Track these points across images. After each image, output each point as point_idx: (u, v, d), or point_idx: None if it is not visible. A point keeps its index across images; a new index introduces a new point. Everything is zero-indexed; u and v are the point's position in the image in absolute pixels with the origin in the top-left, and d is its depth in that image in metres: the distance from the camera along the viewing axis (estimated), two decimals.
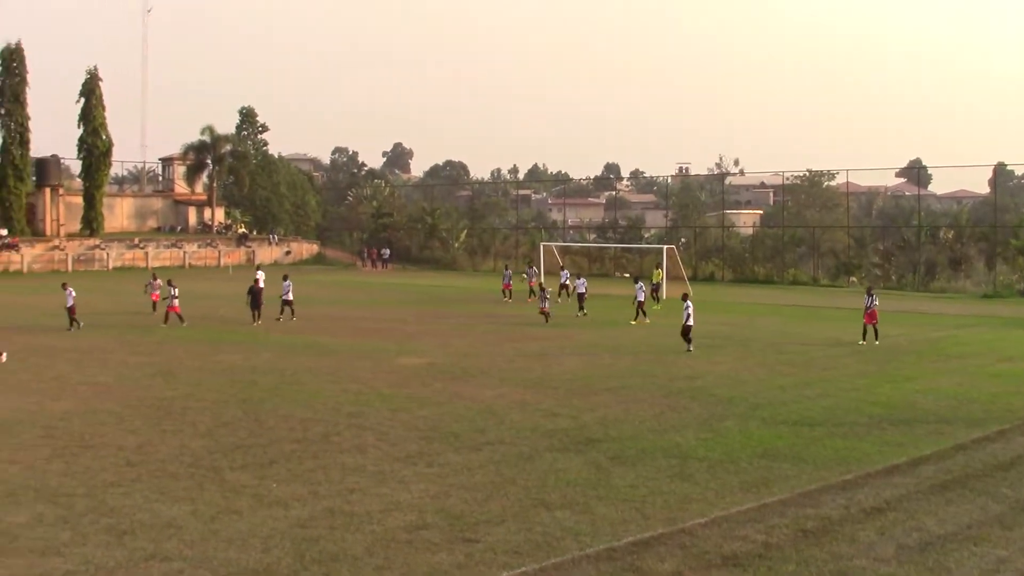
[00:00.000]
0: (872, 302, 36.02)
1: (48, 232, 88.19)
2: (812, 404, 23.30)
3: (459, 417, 21.26)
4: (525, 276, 56.67)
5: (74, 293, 38.30)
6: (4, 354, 29.51)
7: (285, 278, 43.38)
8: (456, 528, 13.57)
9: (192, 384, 25.48)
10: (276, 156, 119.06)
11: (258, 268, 57.68)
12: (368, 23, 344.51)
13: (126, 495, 15.08)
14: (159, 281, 41.87)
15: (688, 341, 32.98)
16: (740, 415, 21.77)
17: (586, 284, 47.36)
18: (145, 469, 16.63)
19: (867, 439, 19.44)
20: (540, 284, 45.81)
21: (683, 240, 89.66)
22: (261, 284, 50.82)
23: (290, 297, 42.56)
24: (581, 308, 45.16)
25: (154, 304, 42.89)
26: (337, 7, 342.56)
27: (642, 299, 42.97)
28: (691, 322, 33.23)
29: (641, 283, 43.85)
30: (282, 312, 42.14)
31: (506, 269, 56.90)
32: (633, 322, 41.75)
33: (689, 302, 33.69)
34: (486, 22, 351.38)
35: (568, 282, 53.79)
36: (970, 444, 19.28)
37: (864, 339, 35.45)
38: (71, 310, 37.91)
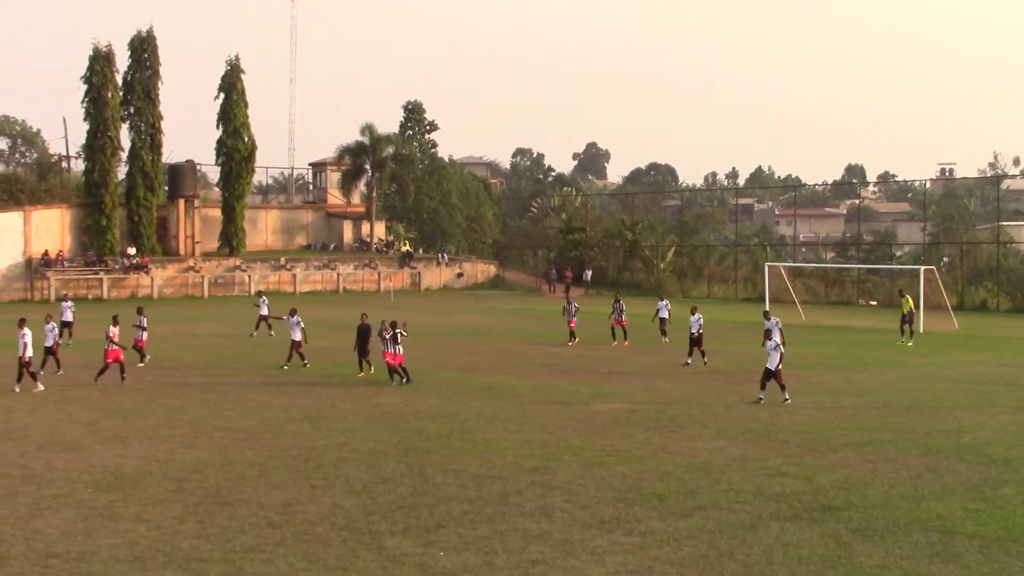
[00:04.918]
0: None
1: (181, 251, 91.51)
2: None
3: (665, 475, 21.12)
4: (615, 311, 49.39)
5: (55, 328, 37.34)
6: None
7: (292, 313, 40.15)
8: None
9: (346, 431, 26.02)
10: (447, 160, 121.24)
11: (260, 295, 57.39)
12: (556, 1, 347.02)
13: (268, 562, 15.44)
14: (144, 319, 40.22)
15: (781, 386, 30.74)
16: (1022, 481, 21.02)
17: (701, 321, 41.01)
18: (290, 531, 17.01)
19: None
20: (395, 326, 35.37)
21: (945, 259, 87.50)
22: (264, 311, 51.72)
23: (297, 337, 39.42)
24: (690, 353, 40.65)
25: (138, 348, 39.95)
26: None
27: (665, 316, 47.05)
28: (776, 364, 30.49)
29: (698, 316, 40.90)
30: (288, 358, 39.56)
31: (663, 302, 51.52)
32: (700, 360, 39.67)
33: (777, 329, 32.03)
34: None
35: (667, 315, 49.43)
36: None
37: None
38: (52, 350, 36.50)
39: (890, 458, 23.03)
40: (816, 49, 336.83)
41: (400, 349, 34.66)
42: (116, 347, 34.53)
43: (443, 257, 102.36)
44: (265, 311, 52.22)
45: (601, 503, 18.85)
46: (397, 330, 34.50)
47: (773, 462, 22.50)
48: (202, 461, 22.47)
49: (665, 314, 49.34)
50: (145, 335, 40.12)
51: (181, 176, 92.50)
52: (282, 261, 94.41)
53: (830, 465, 22.25)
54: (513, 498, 19.19)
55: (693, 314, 41.14)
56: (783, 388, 30.71)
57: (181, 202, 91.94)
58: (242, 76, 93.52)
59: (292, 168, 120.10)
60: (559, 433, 25.78)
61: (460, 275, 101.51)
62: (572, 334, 48.64)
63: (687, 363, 40.11)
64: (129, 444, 24.45)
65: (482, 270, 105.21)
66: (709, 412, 29.07)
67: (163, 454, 23.28)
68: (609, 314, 49.46)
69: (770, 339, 30.99)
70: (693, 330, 40.55)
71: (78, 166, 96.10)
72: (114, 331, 34.68)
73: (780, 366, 30.61)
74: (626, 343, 47.62)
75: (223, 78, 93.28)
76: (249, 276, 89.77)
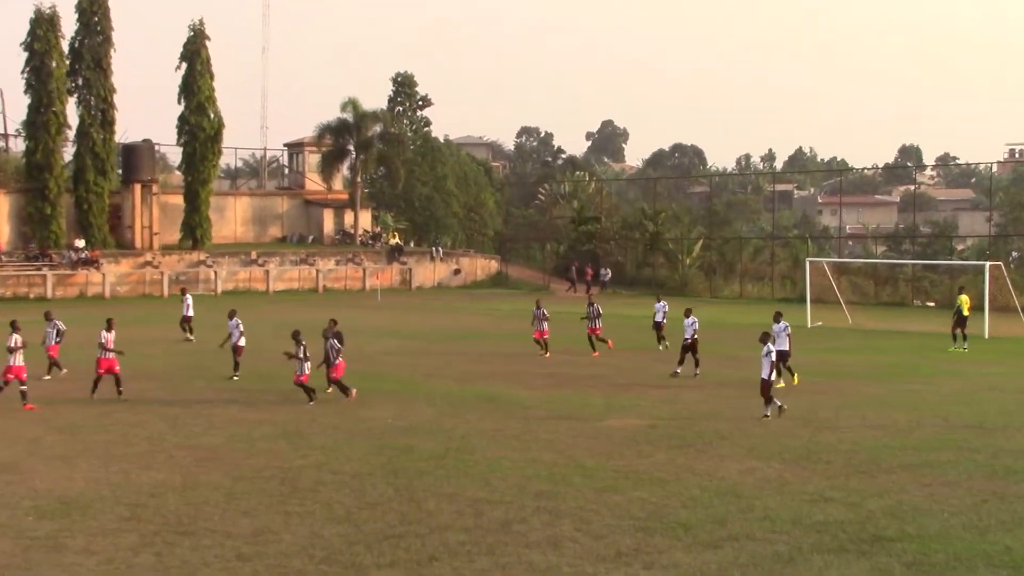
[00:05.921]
0: None
1: (137, 243, 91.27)
2: None
3: (690, 501, 21.14)
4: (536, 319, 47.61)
5: None
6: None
7: (232, 315, 40.30)
8: None
9: (327, 450, 26.02)
10: (442, 140, 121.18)
11: (183, 292, 54.73)
12: None
13: None
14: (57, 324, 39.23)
15: (766, 399, 30.51)
16: None
17: (696, 325, 40.96)
18: (262, 564, 17.02)
19: None
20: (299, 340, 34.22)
21: (1015, 254, 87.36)
22: (190, 312, 51.11)
23: (240, 342, 39.51)
24: (681, 361, 40.54)
25: (53, 361, 39.22)
26: None
27: (660, 319, 48.02)
28: (768, 374, 30.26)
29: (693, 319, 40.76)
30: (236, 369, 39.40)
31: (660, 303, 50.72)
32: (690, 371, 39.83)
33: (773, 339, 31.71)
34: None
35: (663, 319, 48.72)
36: None
37: None
38: None
39: (950, 482, 23.02)
40: (863, 16, 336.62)
41: (306, 367, 33.42)
42: (111, 355, 34.56)
43: (437, 251, 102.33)
44: (190, 312, 51.39)
45: (617, 532, 18.85)
46: (301, 342, 33.54)
47: (815, 486, 22.49)
48: (161, 484, 22.45)
49: (661, 317, 48.81)
50: (57, 341, 39.14)
51: (137, 158, 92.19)
52: (253, 255, 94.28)
53: (881, 489, 22.24)
54: (516, 526, 19.19)
55: (687, 316, 41.18)
56: (768, 403, 30.42)
57: (137, 188, 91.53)
58: (207, 43, 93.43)
59: (265, 149, 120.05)
60: (569, 452, 25.79)
61: (457, 271, 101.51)
62: (540, 344, 46.94)
63: (676, 373, 39.90)
64: (77, 464, 24.42)
65: (482, 266, 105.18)
66: (740, 428, 29.06)
67: (117, 476, 23.25)
68: (582, 317, 48.54)
69: (764, 344, 30.64)
70: (687, 335, 40.65)
71: (18, 146, 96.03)
72: (108, 337, 34.59)
73: (772, 377, 30.49)
74: (595, 354, 46.48)
75: (185, 46, 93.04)
76: (215, 272, 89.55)
